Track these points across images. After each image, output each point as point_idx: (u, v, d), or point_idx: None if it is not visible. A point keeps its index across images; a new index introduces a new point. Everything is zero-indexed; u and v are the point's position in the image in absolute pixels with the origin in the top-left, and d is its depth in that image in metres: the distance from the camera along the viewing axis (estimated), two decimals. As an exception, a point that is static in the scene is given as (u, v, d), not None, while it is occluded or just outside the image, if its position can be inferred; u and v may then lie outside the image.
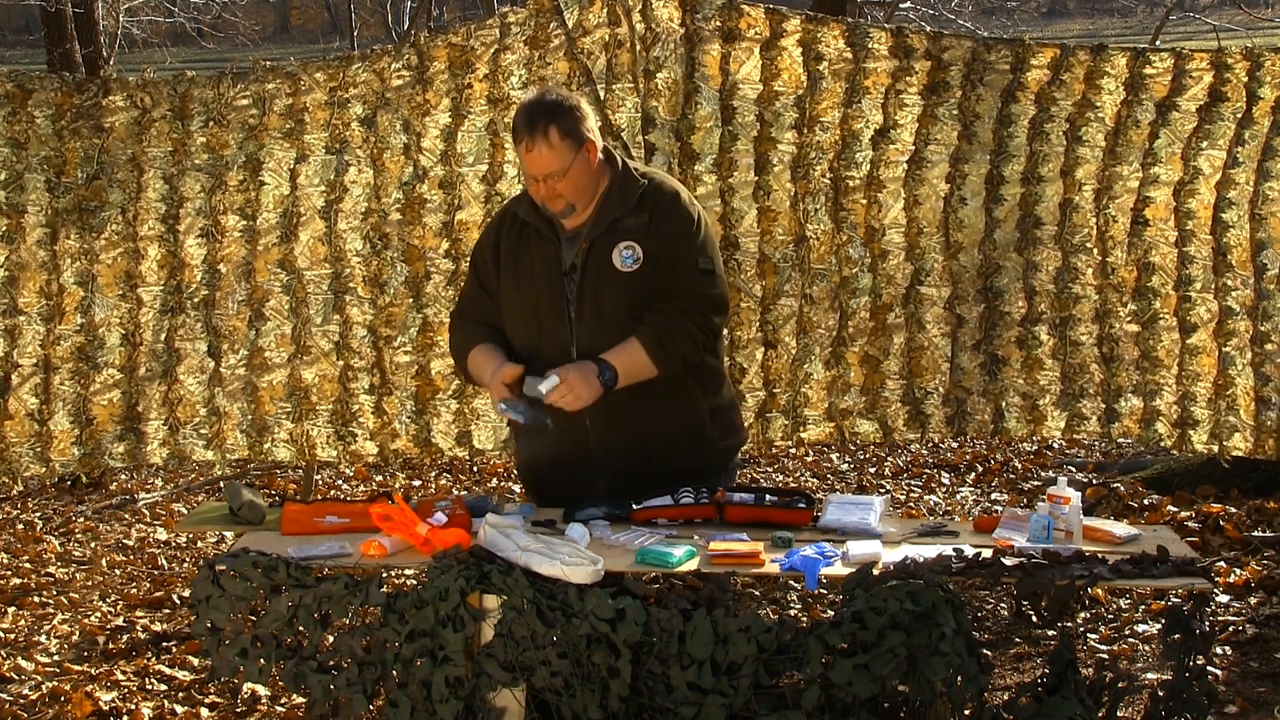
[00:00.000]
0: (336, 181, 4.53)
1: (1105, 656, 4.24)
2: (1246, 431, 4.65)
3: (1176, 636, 3.01)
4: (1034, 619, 4.65)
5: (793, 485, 6.90)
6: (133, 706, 4.11)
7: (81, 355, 4.51)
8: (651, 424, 3.46)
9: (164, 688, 4.29)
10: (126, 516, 6.72)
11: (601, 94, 4.43)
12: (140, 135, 4.46)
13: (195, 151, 4.49)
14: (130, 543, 6.24)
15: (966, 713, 2.86)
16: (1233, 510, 5.53)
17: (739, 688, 2.84)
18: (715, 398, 3.60)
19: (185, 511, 6.74)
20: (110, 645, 4.72)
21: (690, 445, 3.54)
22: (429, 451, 4.70)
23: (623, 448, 3.46)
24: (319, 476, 7.04)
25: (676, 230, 3.44)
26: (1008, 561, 3.07)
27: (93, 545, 6.19)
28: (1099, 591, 4.70)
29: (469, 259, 3.72)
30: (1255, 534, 5.25)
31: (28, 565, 5.79)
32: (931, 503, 6.53)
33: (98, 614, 5.09)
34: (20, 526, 6.49)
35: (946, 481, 6.95)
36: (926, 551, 3.12)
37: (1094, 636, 4.47)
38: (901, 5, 11.41)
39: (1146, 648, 4.33)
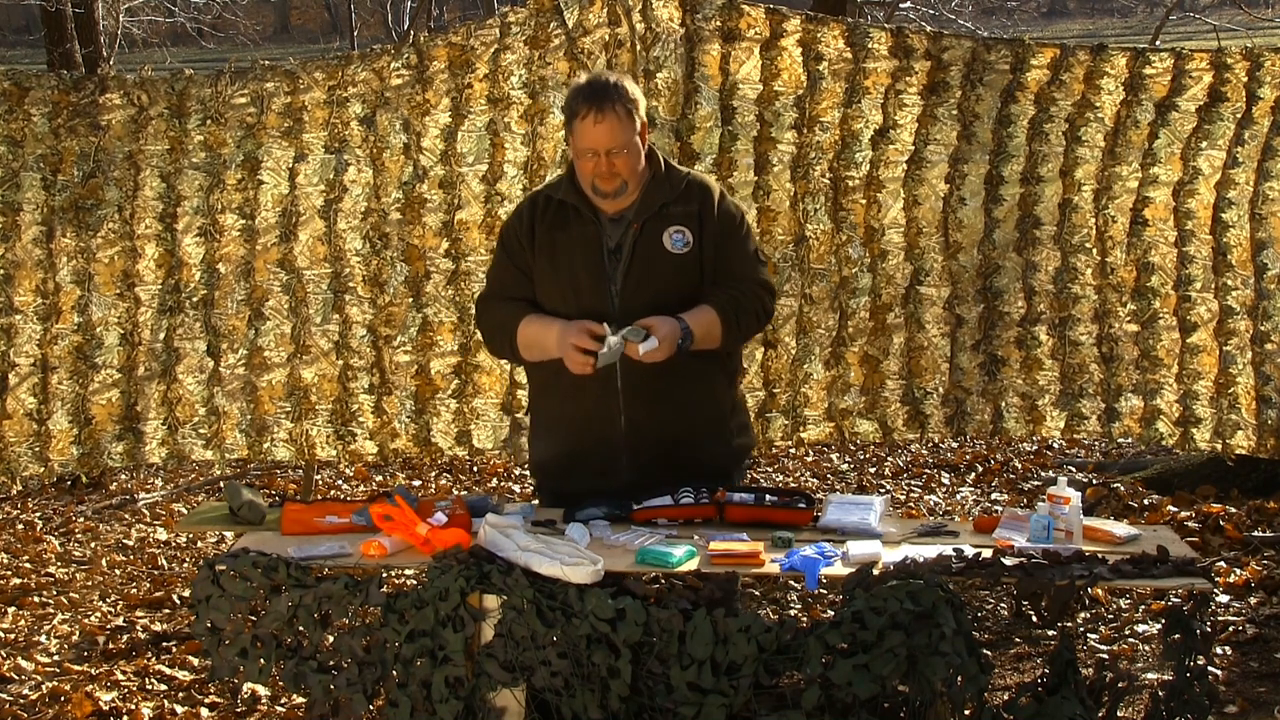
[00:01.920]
0: (336, 181, 4.53)
1: (1105, 656, 4.24)
2: (1249, 430, 4.65)
3: (1176, 636, 3.00)
4: (1034, 619, 4.65)
5: (793, 485, 6.90)
6: (133, 706, 4.11)
7: (79, 354, 4.51)
8: (682, 411, 3.47)
9: (164, 688, 4.28)
10: (126, 516, 6.72)
11: (601, 94, 4.43)
12: (138, 133, 4.45)
13: (193, 150, 4.48)
14: (130, 543, 6.23)
15: (966, 713, 2.86)
16: (1233, 510, 5.52)
17: (739, 688, 2.83)
18: (734, 391, 3.65)
19: (185, 511, 6.73)
20: (110, 645, 4.71)
21: (710, 438, 3.54)
22: (429, 451, 4.70)
23: (650, 436, 3.45)
24: (319, 476, 7.04)
25: (728, 221, 3.51)
26: (1008, 561, 3.07)
27: (93, 545, 6.18)
28: (1099, 591, 4.69)
29: (497, 242, 3.67)
30: (1255, 534, 5.24)
31: (28, 565, 5.78)
32: (931, 503, 6.52)
33: (98, 614, 5.08)
34: (20, 526, 6.48)
35: (946, 481, 6.95)
36: (926, 551, 3.12)
37: (1094, 636, 4.46)
38: (901, 5, 11.41)
39: (1146, 648, 4.32)
